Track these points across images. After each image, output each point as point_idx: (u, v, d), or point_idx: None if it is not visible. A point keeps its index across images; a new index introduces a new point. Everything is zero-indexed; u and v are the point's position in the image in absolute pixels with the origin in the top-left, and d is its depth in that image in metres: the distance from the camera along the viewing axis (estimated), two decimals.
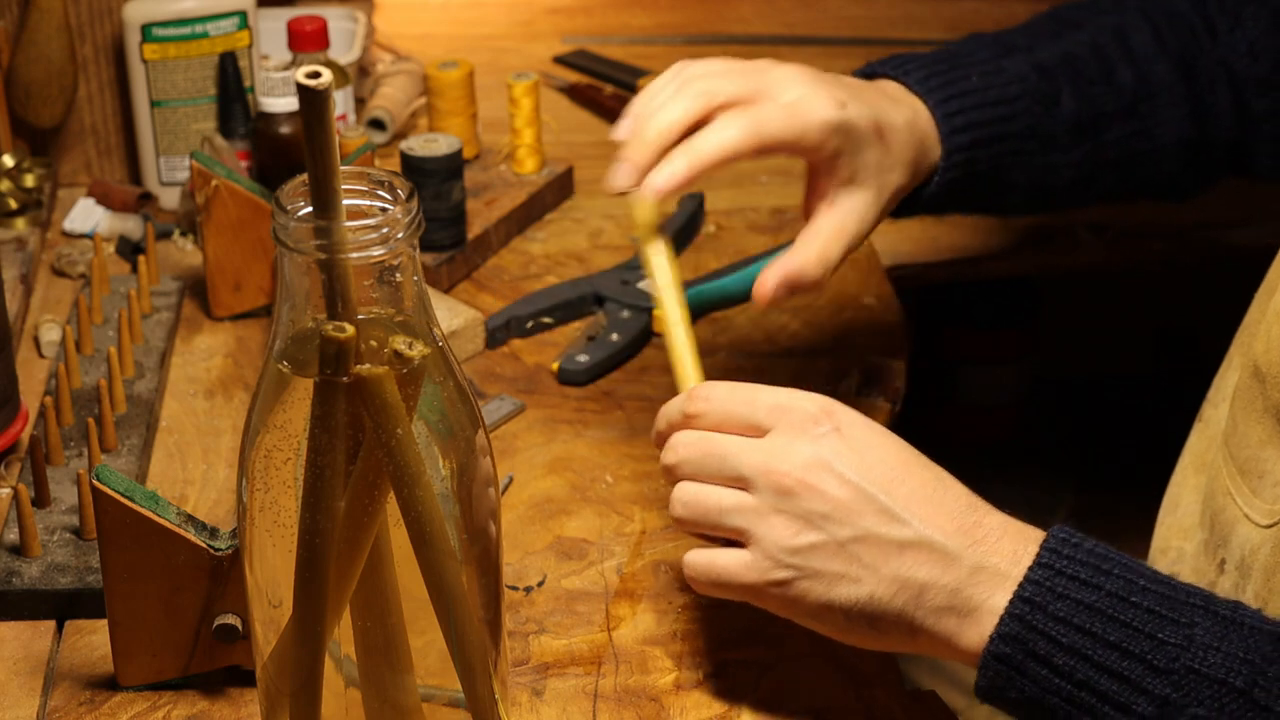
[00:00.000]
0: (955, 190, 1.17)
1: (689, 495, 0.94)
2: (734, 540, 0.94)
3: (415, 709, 0.87)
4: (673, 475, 0.96)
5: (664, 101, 1.06)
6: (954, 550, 0.90)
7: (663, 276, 1.06)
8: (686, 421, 0.96)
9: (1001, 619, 0.88)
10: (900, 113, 1.12)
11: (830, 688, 1.00)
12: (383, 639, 0.85)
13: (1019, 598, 0.88)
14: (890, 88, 1.15)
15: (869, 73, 1.18)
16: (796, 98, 1.06)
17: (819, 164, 1.08)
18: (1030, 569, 0.89)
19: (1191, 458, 1.11)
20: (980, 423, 1.93)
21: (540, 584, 1.08)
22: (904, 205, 1.16)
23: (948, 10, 1.89)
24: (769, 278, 1.06)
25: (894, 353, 1.30)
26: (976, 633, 0.90)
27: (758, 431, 0.94)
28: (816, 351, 1.31)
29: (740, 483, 0.93)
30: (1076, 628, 0.87)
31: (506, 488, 1.16)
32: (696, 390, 0.96)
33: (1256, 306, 1.08)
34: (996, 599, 0.89)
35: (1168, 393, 1.95)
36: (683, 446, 0.95)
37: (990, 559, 0.90)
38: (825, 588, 0.91)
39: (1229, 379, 1.09)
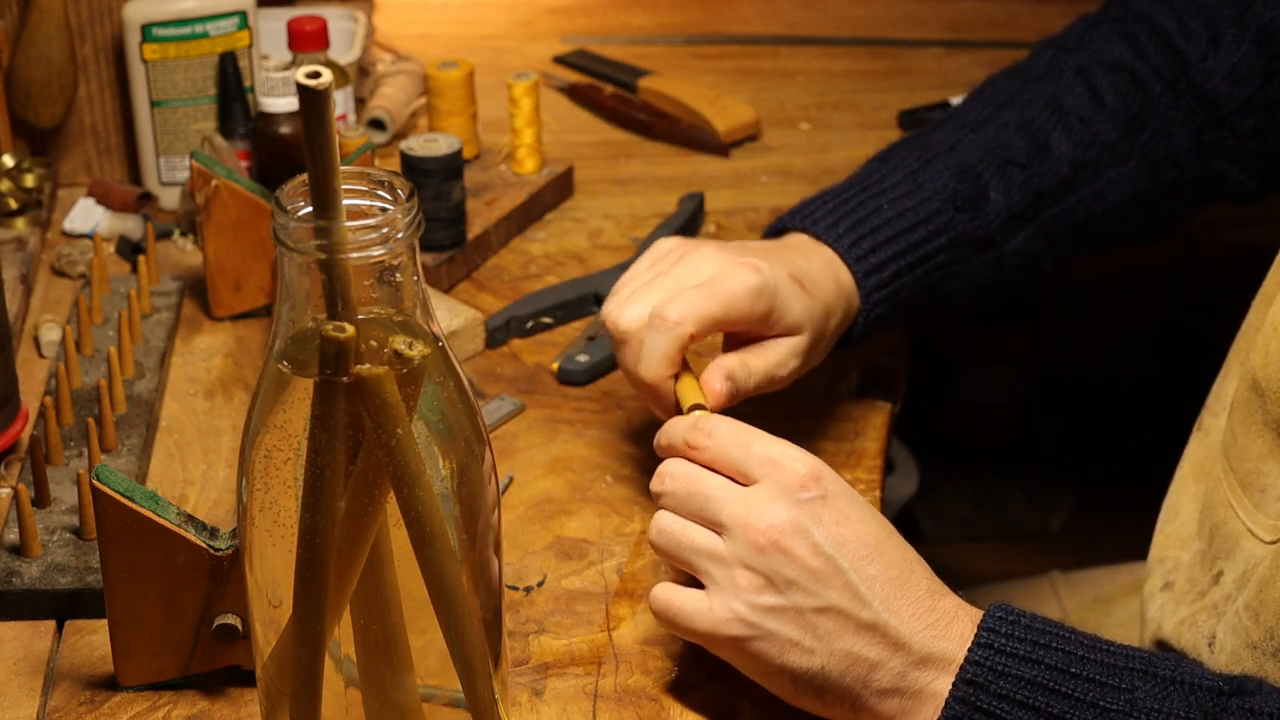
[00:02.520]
0: (887, 320, 1.17)
1: (666, 525, 0.96)
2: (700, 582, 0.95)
3: (415, 709, 0.87)
4: (658, 502, 0.97)
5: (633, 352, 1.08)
6: (907, 635, 0.91)
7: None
8: (686, 450, 0.97)
9: (947, 702, 0.90)
10: (813, 263, 1.13)
11: None
12: (383, 639, 0.85)
13: (961, 679, 0.90)
14: (798, 240, 1.15)
15: (778, 229, 1.18)
16: (711, 275, 1.07)
17: (751, 330, 1.09)
18: (971, 649, 0.90)
19: (1191, 466, 1.11)
20: (981, 423, 1.93)
21: (540, 584, 1.08)
22: (842, 340, 1.17)
23: (948, 10, 1.89)
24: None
25: (894, 353, 1.30)
26: (924, 715, 0.92)
27: (746, 480, 0.95)
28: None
29: (717, 527, 0.94)
30: (1019, 703, 0.89)
31: (506, 488, 1.16)
32: (703, 422, 0.97)
33: (1255, 314, 1.07)
34: (940, 683, 0.91)
35: (1168, 393, 1.95)
36: (670, 479, 0.96)
37: (940, 644, 0.91)
38: (778, 651, 0.93)
39: (1228, 387, 1.09)
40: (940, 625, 0.91)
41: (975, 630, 0.91)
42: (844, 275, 1.14)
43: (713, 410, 1.04)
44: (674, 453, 0.98)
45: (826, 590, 0.91)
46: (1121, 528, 1.74)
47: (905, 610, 0.91)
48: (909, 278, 1.16)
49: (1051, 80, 1.24)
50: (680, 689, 1.00)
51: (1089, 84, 1.23)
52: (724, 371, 1.07)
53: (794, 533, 0.92)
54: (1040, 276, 1.26)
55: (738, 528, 0.93)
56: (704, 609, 0.94)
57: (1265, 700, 0.89)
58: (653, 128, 1.62)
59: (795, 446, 0.95)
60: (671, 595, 0.95)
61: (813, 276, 1.11)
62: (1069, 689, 0.89)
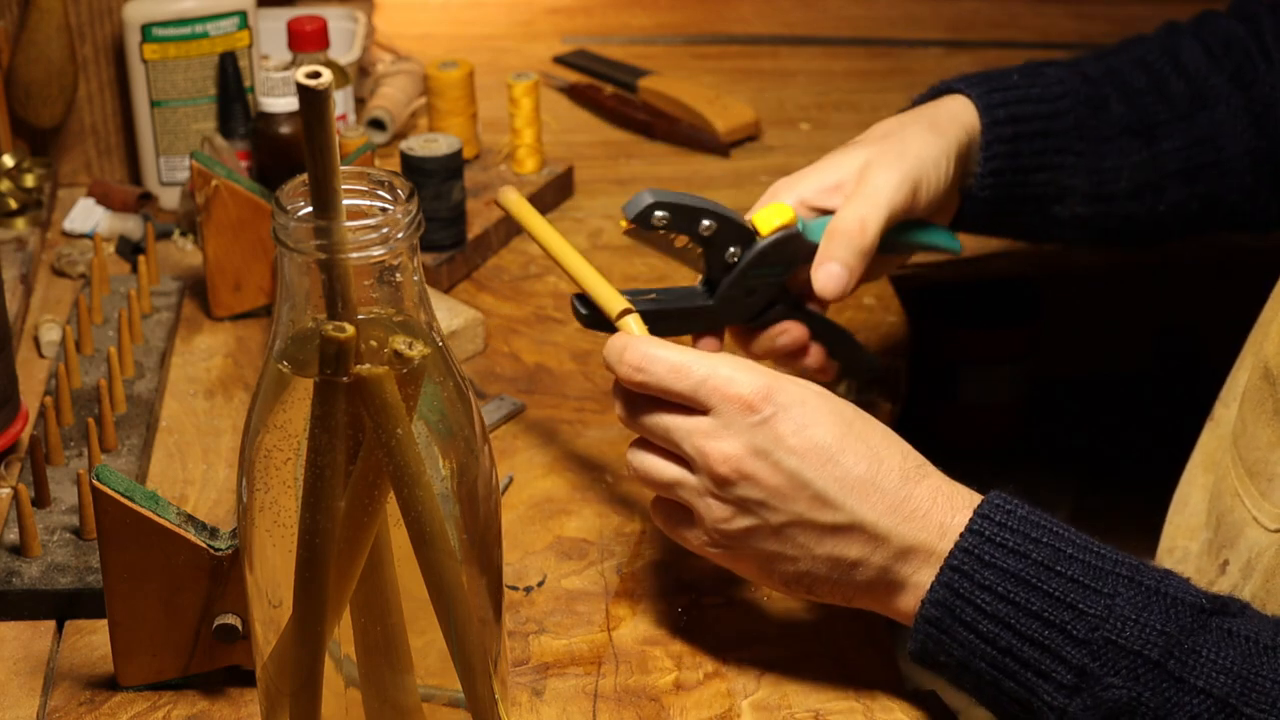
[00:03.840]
0: (1004, 190, 1.16)
1: (640, 462, 0.98)
2: None
3: (415, 709, 0.87)
4: (627, 425, 0.98)
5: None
6: (884, 530, 0.93)
7: (531, 218, 1.07)
8: (627, 385, 0.97)
9: (932, 586, 0.92)
10: (926, 110, 1.14)
11: (830, 688, 1.00)
12: (383, 639, 0.85)
13: (948, 566, 0.91)
14: (943, 101, 1.17)
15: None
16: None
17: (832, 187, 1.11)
18: (962, 535, 0.92)
19: (1202, 457, 1.11)
20: (981, 422, 1.93)
21: (540, 584, 1.08)
22: (960, 210, 1.16)
23: (948, 10, 1.89)
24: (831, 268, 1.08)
25: (894, 353, 1.30)
26: (907, 601, 0.94)
27: (699, 407, 0.95)
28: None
29: (682, 458, 0.96)
30: (1001, 596, 0.90)
31: (506, 488, 1.16)
32: (629, 354, 0.96)
33: (1270, 306, 1.07)
34: (922, 574, 0.93)
35: (1169, 392, 1.95)
36: (630, 409, 0.97)
37: (919, 535, 0.93)
38: (764, 562, 0.95)
39: (1240, 379, 1.09)
40: (918, 516, 0.93)
41: (961, 517, 0.92)
42: (971, 118, 1.15)
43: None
44: (619, 380, 0.97)
45: (794, 504, 0.93)
46: (1124, 527, 1.74)
47: (880, 504, 0.93)
48: (1029, 145, 1.16)
49: (1169, 38, 1.25)
50: (680, 689, 1.00)
51: (1203, 43, 1.24)
52: (832, 254, 1.07)
53: (752, 457, 0.93)
54: (1157, 223, 1.24)
55: (700, 459, 0.94)
56: (691, 534, 0.97)
57: (1245, 623, 0.89)
58: (653, 128, 1.62)
59: (735, 360, 0.95)
60: (668, 519, 0.99)
61: (879, 123, 1.13)
62: (1051, 587, 0.90)
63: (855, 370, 1.18)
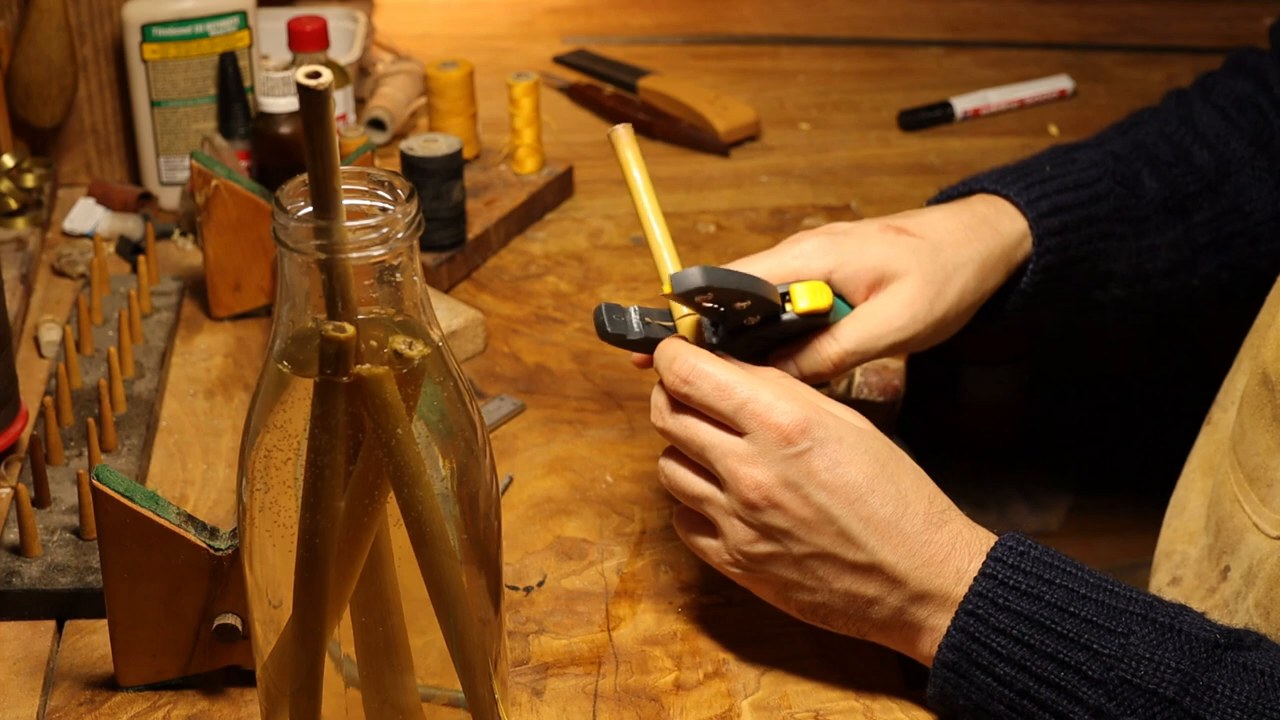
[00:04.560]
0: (1051, 281, 1.14)
1: (671, 470, 0.99)
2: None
3: (415, 709, 0.87)
4: (660, 429, 0.99)
5: None
6: (903, 572, 0.94)
7: (635, 171, 1.06)
8: (672, 394, 0.97)
9: (948, 631, 0.92)
10: (956, 214, 1.10)
11: (830, 688, 1.00)
12: (383, 639, 0.85)
13: (963, 610, 0.92)
14: (969, 201, 1.13)
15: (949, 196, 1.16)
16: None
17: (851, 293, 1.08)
18: (976, 579, 0.92)
19: (1199, 460, 1.11)
20: (981, 422, 1.93)
21: (540, 584, 1.08)
22: (993, 306, 1.14)
23: (948, 10, 1.89)
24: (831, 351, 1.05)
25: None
26: (925, 644, 0.95)
27: (737, 429, 0.95)
28: None
29: (714, 476, 0.97)
30: (1016, 639, 0.91)
31: (506, 488, 1.16)
32: (679, 365, 0.96)
33: (1267, 311, 1.07)
34: (937, 618, 0.94)
35: (1169, 393, 1.95)
36: (669, 418, 0.98)
37: (935, 580, 0.93)
38: (781, 588, 0.97)
39: (1238, 382, 1.09)
40: (936, 562, 0.93)
41: (976, 561, 0.93)
42: (1007, 222, 1.12)
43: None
44: (664, 387, 0.98)
45: (819, 537, 0.94)
46: (1121, 528, 1.74)
47: (901, 548, 0.93)
48: (1076, 235, 1.14)
49: (1181, 107, 1.25)
50: (680, 689, 1.00)
51: (1218, 108, 1.23)
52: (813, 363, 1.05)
53: (783, 488, 0.94)
54: (1190, 297, 1.22)
55: (731, 481, 0.95)
56: (713, 548, 0.98)
57: (1261, 656, 0.90)
58: (653, 128, 1.62)
59: (779, 386, 0.95)
60: (691, 531, 0.99)
61: (927, 222, 1.08)
62: (1065, 629, 0.90)
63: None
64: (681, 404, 0.97)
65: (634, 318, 1.02)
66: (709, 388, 0.95)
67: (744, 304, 1.01)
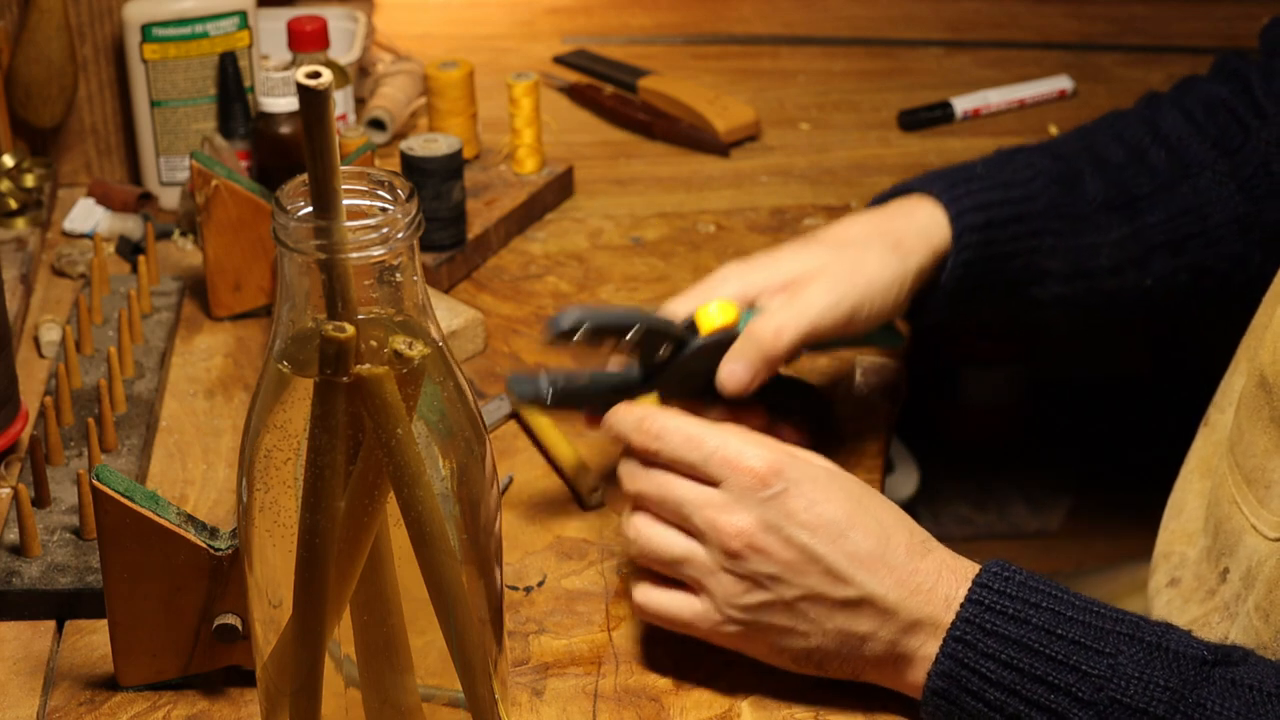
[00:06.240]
0: (976, 276, 1.15)
1: (644, 536, 0.97)
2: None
3: (415, 709, 0.87)
4: (633, 502, 0.98)
5: None
6: (893, 603, 0.94)
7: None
8: (640, 450, 0.98)
9: (937, 658, 0.93)
10: (878, 215, 1.13)
11: (830, 688, 1.00)
12: (383, 639, 0.85)
13: (951, 637, 0.92)
14: (890, 205, 1.15)
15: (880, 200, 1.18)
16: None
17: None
18: (962, 606, 0.93)
19: (1197, 462, 1.11)
20: (981, 423, 1.93)
21: (540, 584, 1.08)
22: (924, 301, 1.15)
23: (948, 10, 1.89)
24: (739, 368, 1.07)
25: (894, 353, 1.30)
26: (916, 674, 0.95)
27: (709, 479, 0.96)
28: (817, 350, 1.31)
29: (692, 532, 0.96)
30: (1004, 663, 0.91)
31: (506, 488, 1.16)
32: (648, 423, 0.97)
33: (1264, 312, 1.07)
34: (929, 647, 0.94)
35: (1168, 393, 1.95)
36: (640, 479, 0.98)
37: (925, 609, 0.94)
38: (775, 638, 0.96)
39: (1235, 384, 1.09)
40: (925, 590, 0.94)
41: (962, 587, 0.93)
42: (924, 214, 1.14)
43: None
44: (630, 447, 0.98)
45: (806, 578, 0.94)
46: (1121, 528, 1.74)
47: (889, 579, 0.94)
48: (1003, 232, 1.15)
49: (1149, 109, 1.25)
50: (680, 689, 1.00)
51: (1185, 112, 1.23)
52: (745, 357, 1.07)
53: (764, 531, 0.94)
54: (1144, 297, 1.22)
55: (711, 532, 0.95)
56: (700, 613, 0.97)
57: (1249, 671, 0.90)
58: (653, 128, 1.62)
59: (746, 434, 0.96)
60: (665, 602, 0.98)
61: (840, 227, 1.12)
62: (1053, 651, 0.91)
63: (812, 418, 1.16)
64: (651, 462, 0.97)
65: (543, 383, 1.06)
66: (679, 440, 0.96)
67: (634, 338, 1.05)
